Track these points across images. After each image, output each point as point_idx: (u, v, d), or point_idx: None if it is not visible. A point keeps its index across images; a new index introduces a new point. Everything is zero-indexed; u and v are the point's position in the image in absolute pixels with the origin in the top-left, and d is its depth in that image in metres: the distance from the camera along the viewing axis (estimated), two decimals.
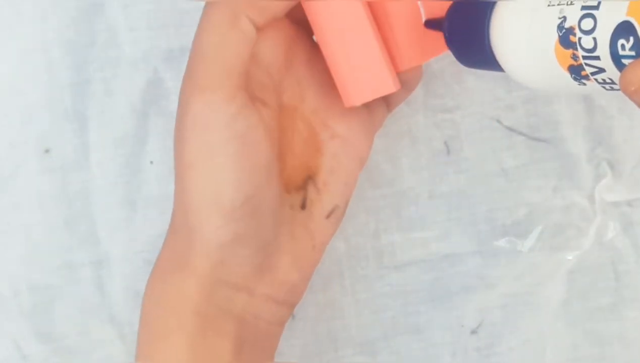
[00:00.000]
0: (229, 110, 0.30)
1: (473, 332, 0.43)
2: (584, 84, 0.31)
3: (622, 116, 0.43)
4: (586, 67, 0.30)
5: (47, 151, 0.43)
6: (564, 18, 0.30)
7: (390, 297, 0.43)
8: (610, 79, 0.30)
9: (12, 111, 0.43)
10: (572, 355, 0.42)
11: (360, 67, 0.33)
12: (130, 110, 0.43)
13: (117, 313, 0.42)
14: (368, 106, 0.36)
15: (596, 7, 0.29)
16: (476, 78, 0.43)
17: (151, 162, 0.43)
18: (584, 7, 0.29)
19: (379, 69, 0.34)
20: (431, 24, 0.35)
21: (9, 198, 0.42)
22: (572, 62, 0.30)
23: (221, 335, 0.33)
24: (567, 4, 0.30)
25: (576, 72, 0.30)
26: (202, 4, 0.43)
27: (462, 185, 0.43)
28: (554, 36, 0.30)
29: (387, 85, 0.34)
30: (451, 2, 0.34)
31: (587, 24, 0.29)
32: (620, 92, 0.31)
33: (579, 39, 0.29)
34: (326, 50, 0.34)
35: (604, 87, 0.31)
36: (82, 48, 0.43)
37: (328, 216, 0.34)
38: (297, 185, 0.34)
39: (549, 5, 0.31)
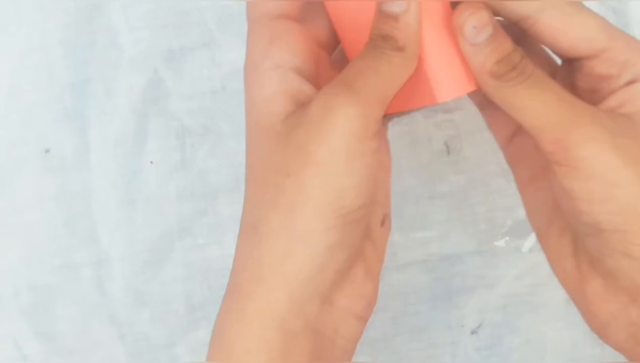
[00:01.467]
0: (373, 125, 0.32)
1: (473, 332, 0.43)
2: None
3: None
4: None
5: (47, 151, 0.43)
6: None
7: (390, 297, 0.43)
8: None
9: (12, 111, 0.43)
10: (572, 355, 0.42)
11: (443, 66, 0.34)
12: (130, 110, 0.43)
13: (117, 313, 0.42)
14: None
15: None
16: None
17: (151, 162, 0.43)
18: None
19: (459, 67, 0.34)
20: None
21: (9, 198, 0.42)
22: None
23: (301, 353, 0.32)
24: None
25: None
26: (203, 3, 0.43)
27: (462, 185, 0.43)
28: None
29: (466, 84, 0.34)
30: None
31: None
32: None
33: None
34: None
35: None
36: (82, 48, 0.43)
37: (382, 224, 0.35)
38: None
39: None
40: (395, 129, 0.43)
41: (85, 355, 0.42)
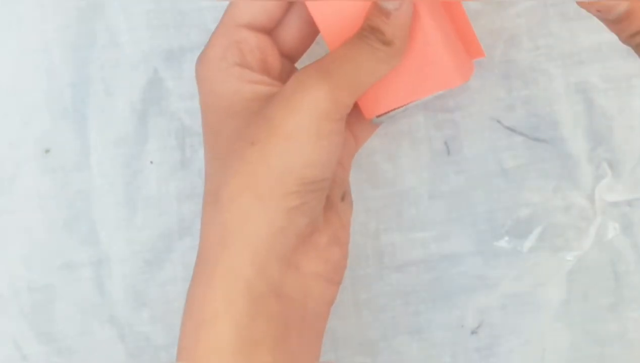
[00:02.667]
0: (343, 110, 0.33)
1: (473, 332, 0.43)
2: None
3: (622, 116, 0.43)
4: None
5: (47, 151, 0.43)
6: None
7: (390, 297, 0.43)
8: None
9: (12, 111, 0.43)
10: (572, 355, 0.42)
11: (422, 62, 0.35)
12: (130, 110, 0.43)
13: (117, 313, 0.42)
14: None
15: None
16: (476, 78, 0.43)
17: (151, 162, 0.43)
18: None
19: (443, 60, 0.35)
20: None
21: (9, 198, 0.42)
22: None
23: (270, 318, 0.32)
24: None
25: None
26: (203, 4, 0.43)
27: (462, 185, 0.43)
28: None
29: (452, 78, 0.35)
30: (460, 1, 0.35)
31: None
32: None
33: None
34: None
35: None
36: (82, 48, 0.43)
37: (342, 199, 0.37)
38: None
39: None
40: (395, 128, 0.43)
41: (85, 355, 0.42)
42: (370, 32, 0.33)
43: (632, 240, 0.43)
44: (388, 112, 0.37)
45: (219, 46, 0.35)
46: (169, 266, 0.42)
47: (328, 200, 0.36)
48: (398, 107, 0.37)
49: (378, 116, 0.37)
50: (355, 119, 0.38)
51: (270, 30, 0.36)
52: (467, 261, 0.43)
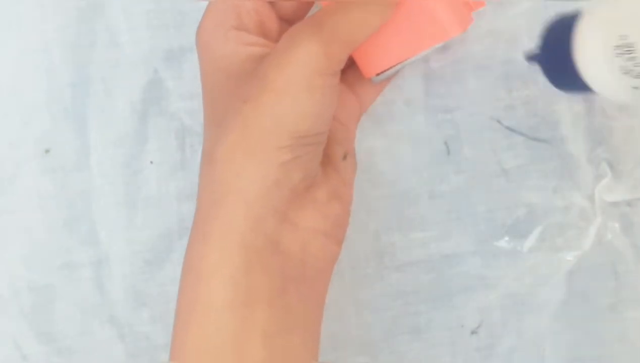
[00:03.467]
0: (336, 65, 0.33)
1: (473, 332, 0.43)
2: None
3: (622, 116, 0.43)
4: None
5: (47, 151, 0.43)
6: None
7: (390, 297, 0.43)
8: None
9: (12, 111, 0.43)
10: (572, 355, 0.42)
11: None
12: (130, 110, 0.43)
13: (117, 313, 0.42)
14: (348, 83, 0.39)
15: None
16: (476, 78, 0.43)
17: (151, 162, 0.43)
18: None
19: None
20: (530, 58, 0.38)
21: (9, 198, 0.42)
22: None
23: (267, 272, 0.32)
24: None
25: None
26: (202, 4, 0.43)
27: (462, 185, 0.43)
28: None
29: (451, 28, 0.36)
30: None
31: None
32: None
33: None
34: None
35: None
36: (82, 48, 0.43)
37: (344, 158, 0.37)
38: None
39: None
40: (395, 128, 0.43)
41: (85, 355, 0.42)
42: None
43: (632, 240, 0.43)
44: (387, 69, 0.37)
45: (216, 11, 0.36)
46: (169, 266, 0.42)
47: (328, 157, 0.36)
48: (396, 64, 0.37)
49: (377, 74, 0.37)
50: (358, 80, 0.38)
51: None
52: (467, 261, 0.43)
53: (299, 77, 0.32)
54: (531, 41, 0.43)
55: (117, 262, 0.42)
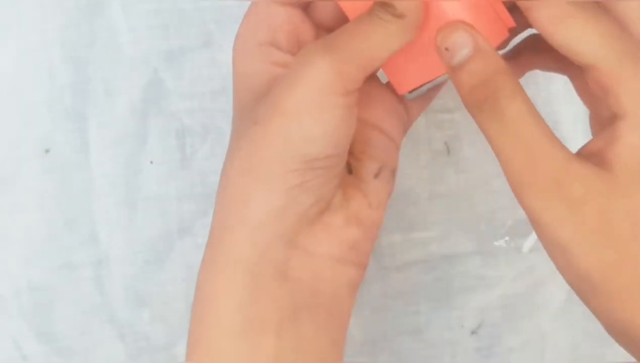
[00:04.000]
0: (348, 84, 0.32)
1: (473, 332, 0.43)
2: None
3: None
4: None
5: (47, 151, 0.43)
6: None
7: (390, 297, 0.43)
8: None
9: (12, 111, 0.43)
10: (572, 355, 0.42)
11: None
12: (130, 110, 0.43)
13: (117, 313, 0.42)
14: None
15: None
16: None
17: (151, 162, 0.43)
18: None
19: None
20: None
21: (9, 198, 0.42)
22: None
23: (274, 300, 0.31)
24: None
25: None
26: (203, 4, 0.43)
27: (462, 185, 0.43)
28: None
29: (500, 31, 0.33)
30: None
31: None
32: None
33: None
34: None
35: None
36: (82, 48, 0.43)
37: (376, 176, 0.35)
38: None
39: None
40: None
41: (85, 355, 0.42)
42: (380, 6, 0.31)
43: None
44: (419, 87, 0.35)
45: (250, 21, 0.35)
46: (169, 266, 0.42)
47: (356, 176, 0.34)
48: (427, 82, 0.35)
49: (410, 92, 0.36)
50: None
51: (305, 5, 0.35)
52: (467, 261, 0.43)
53: (307, 96, 0.31)
54: None
55: (117, 262, 0.42)
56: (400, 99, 0.36)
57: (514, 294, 0.43)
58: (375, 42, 0.32)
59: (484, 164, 0.43)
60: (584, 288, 0.31)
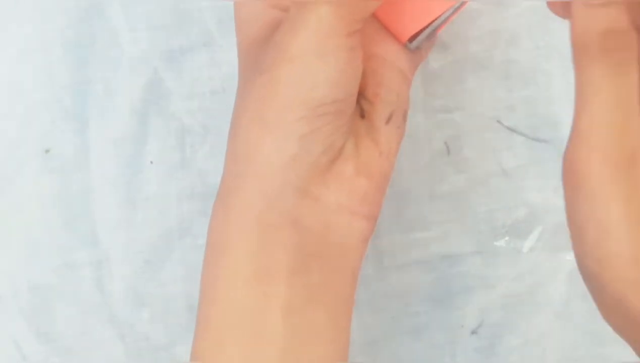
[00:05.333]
0: (350, 25, 0.32)
1: (473, 332, 0.43)
2: None
3: None
4: None
5: (47, 151, 0.43)
6: None
7: (390, 297, 0.43)
8: None
9: (12, 111, 0.43)
10: (572, 355, 0.42)
11: None
12: (130, 110, 0.43)
13: (117, 313, 0.42)
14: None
15: None
16: (476, 78, 0.43)
17: (151, 162, 0.43)
18: None
19: None
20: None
21: (9, 198, 0.42)
22: None
23: (285, 248, 0.31)
24: None
25: None
26: (203, 4, 0.43)
27: (462, 185, 0.43)
28: None
29: None
30: None
31: None
32: None
33: None
34: None
35: None
36: (82, 48, 0.43)
37: (387, 121, 0.35)
38: None
39: None
40: None
41: (85, 355, 0.42)
42: None
43: None
44: (419, 33, 0.35)
45: None
46: (169, 266, 0.42)
47: (367, 122, 0.34)
48: (427, 25, 0.35)
49: (410, 40, 0.35)
50: None
51: None
52: (467, 261, 0.43)
53: (311, 40, 0.31)
54: (531, 41, 0.43)
55: (117, 262, 0.42)
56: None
57: (514, 294, 0.43)
58: None
59: (484, 163, 0.43)
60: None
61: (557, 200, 0.43)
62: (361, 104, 0.34)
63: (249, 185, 0.32)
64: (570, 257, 0.43)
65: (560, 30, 0.43)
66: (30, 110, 0.43)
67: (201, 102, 0.43)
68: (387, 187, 0.35)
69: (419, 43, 0.36)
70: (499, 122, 0.43)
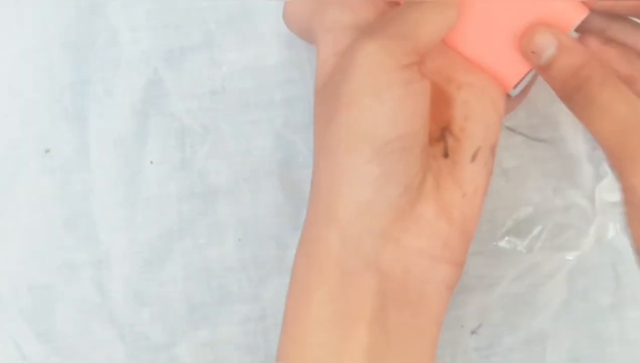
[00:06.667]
0: (401, 59, 0.31)
1: (473, 332, 0.43)
2: None
3: None
4: None
5: (47, 151, 0.43)
6: None
7: None
8: None
9: (12, 111, 0.43)
10: (572, 355, 0.42)
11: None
12: (130, 110, 0.43)
13: (117, 313, 0.42)
14: None
15: None
16: None
17: (151, 162, 0.43)
18: None
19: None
20: None
21: (9, 198, 0.42)
22: None
23: (362, 291, 0.31)
24: None
25: None
26: (203, 4, 0.43)
27: None
28: None
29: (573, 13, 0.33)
30: None
31: None
32: None
33: None
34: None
35: None
36: (82, 48, 0.43)
37: (473, 159, 0.34)
38: (435, 137, 0.34)
39: None
40: None
41: (85, 355, 0.42)
42: None
43: None
44: (521, 80, 0.35)
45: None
46: (169, 266, 0.42)
47: (451, 160, 0.33)
48: (528, 72, 0.34)
49: (514, 86, 0.35)
50: None
51: None
52: (467, 261, 0.43)
53: (362, 83, 0.31)
54: None
55: (117, 262, 0.42)
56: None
57: (514, 294, 0.43)
58: (415, 14, 0.32)
59: None
60: None
61: (557, 200, 0.43)
62: (446, 140, 0.34)
63: (329, 234, 0.32)
64: (570, 257, 0.43)
65: None
66: (30, 110, 0.43)
67: (201, 102, 0.43)
68: (474, 230, 0.34)
69: (521, 88, 0.35)
70: None
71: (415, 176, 0.32)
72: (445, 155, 0.34)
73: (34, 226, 0.42)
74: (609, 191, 0.43)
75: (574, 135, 0.43)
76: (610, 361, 0.42)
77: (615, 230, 0.43)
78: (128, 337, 0.42)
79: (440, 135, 0.34)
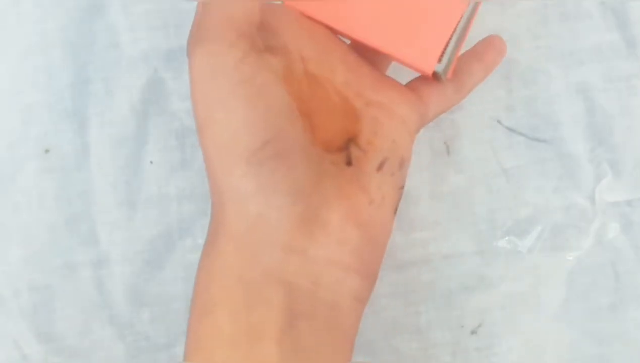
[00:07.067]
0: (233, 56, 0.30)
1: (473, 332, 0.43)
2: None
3: (622, 116, 0.43)
4: None
5: (47, 151, 0.43)
6: None
7: (390, 297, 0.43)
8: None
9: (12, 111, 0.43)
10: (572, 355, 0.42)
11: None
12: (130, 110, 0.43)
13: (117, 313, 0.42)
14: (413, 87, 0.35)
15: None
16: None
17: (151, 162, 0.43)
18: None
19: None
20: None
21: (9, 198, 0.42)
22: None
23: (267, 305, 0.29)
24: None
25: None
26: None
27: (462, 185, 0.43)
28: None
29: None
30: None
31: None
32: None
33: None
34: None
35: None
36: (82, 48, 0.43)
37: (379, 169, 0.32)
38: (338, 146, 0.33)
39: None
40: None
41: (85, 355, 0.42)
42: None
43: (632, 240, 0.43)
44: (443, 53, 0.33)
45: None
46: (169, 266, 0.42)
47: (355, 168, 0.32)
48: (448, 40, 0.33)
49: (439, 61, 0.33)
50: (422, 82, 0.35)
51: None
52: (467, 261, 0.43)
53: (207, 97, 0.30)
54: (531, 41, 0.43)
55: (117, 262, 0.42)
56: (418, 92, 0.34)
57: (514, 294, 0.43)
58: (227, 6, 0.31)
59: (484, 163, 0.43)
60: None
61: (557, 200, 0.43)
62: (350, 150, 0.32)
63: (225, 246, 0.30)
64: (570, 257, 0.43)
65: (560, 30, 0.43)
66: (30, 110, 0.43)
67: None
68: (385, 242, 0.33)
69: (447, 65, 0.33)
70: (499, 122, 0.43)
71: (304, 182, 0.30)
72: (349, 163, 0.32)
73: (34, 226, 0.42)
74: (609, 191, 0.43)
75: (574, 135, 0.43)
76: (610, 361, 0.42)
77: (615, 230, 0.43)
78: (128, 337, 0.42)
79: (344, 145, 0.33)
